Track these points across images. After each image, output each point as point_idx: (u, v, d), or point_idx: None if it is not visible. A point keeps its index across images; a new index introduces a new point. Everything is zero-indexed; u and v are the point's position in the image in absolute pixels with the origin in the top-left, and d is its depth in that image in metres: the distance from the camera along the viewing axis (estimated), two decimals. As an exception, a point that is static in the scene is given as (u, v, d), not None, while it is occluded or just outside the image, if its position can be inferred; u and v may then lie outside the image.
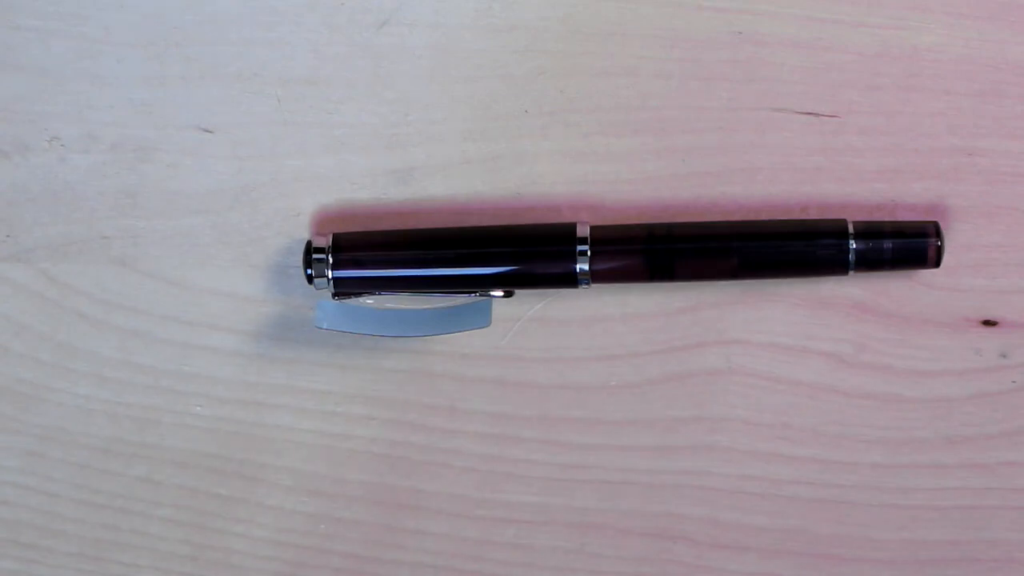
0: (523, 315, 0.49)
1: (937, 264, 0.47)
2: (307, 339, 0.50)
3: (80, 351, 0.50)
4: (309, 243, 0.48)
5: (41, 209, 0.49)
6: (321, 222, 0.49)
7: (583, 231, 0.47)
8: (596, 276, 0.47)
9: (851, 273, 0.47)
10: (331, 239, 0.48)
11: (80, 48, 0.49)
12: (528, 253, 0.47)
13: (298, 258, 0.49)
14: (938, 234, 0.47)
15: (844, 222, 0.47)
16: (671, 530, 0.50)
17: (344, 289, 0.48)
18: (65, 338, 0.50)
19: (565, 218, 0.48)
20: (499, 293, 0.48)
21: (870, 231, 0.47)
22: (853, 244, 0.46)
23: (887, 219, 0.48)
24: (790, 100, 0.48)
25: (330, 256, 0.48)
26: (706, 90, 0.48)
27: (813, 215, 0.48)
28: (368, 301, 0.48)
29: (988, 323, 0.49)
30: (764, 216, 0.48)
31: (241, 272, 0.50)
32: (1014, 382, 0.49)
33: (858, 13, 0.48)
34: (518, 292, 0.48)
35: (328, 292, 0.48)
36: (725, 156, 0.49)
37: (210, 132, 0.49)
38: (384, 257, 0.48)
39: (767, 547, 0.50)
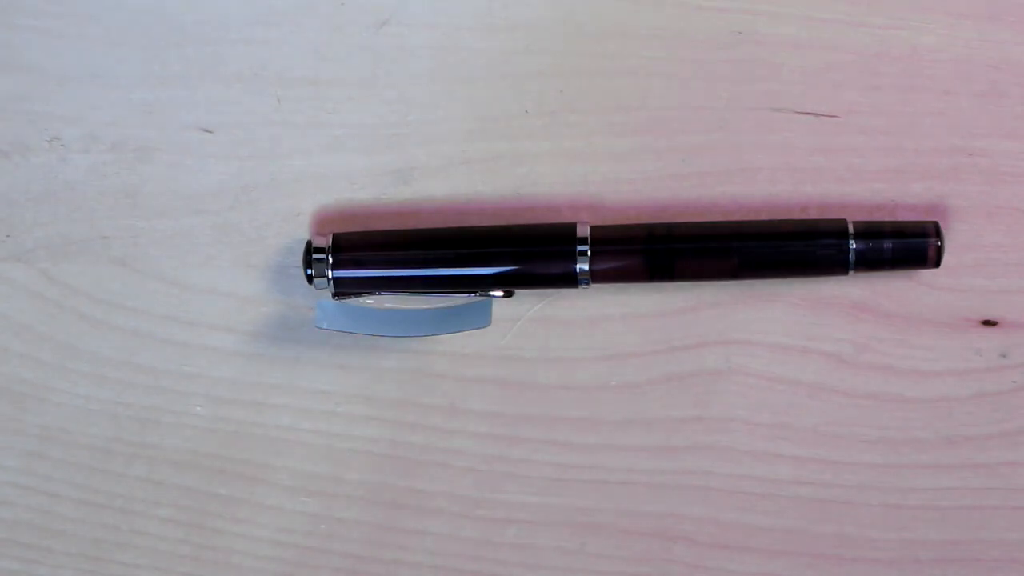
0: (523, 315, 0.49)
1: (937, 264, 0.47)
2: (307, 339, 0.50)
3: (80, 351, 0.50)
4: (309, 243, 0.48)
5: (41, 209, 0.49)
6: (321, 222, 0.49)
7: (583, 231, 0.47)
8: (596, 276, 0.47)
9: (851, 273, 0.47)
10: (331, 239, 0.48)
11: (80, 48, 0.49)
12: (528, 253, 0.47)
13: (298, 258, 0.49)
14: (938, 234, 0.47)
15: (844, 222, 0.47)
16: (671, 530, 0.50)
17: (344, 289, 0.48)
18: (65, 338, 0.50)
19: (565, 218, 0.48)
20: (499, 293, 0.48)
21: (870, 231, 0.47)
22: (853, 244, 0.46)
23: (887, 219, 0.48)
24: (790, 100, 0.48)
25: (330, 256, 0.47)
26: (706, 90, 0.48)
27: (813, 215, 0.48)
28: (368, 301, 0.48)
29: (988, 323, 0.49)
30: (764, 216, 0.48)
31: (241, 272, 0.50)
32: (1014, 382, 0.49)
33: (858, 13, 0.48)
34: (518, 292, 0.48)
35: (328, 292, 0.48)
36: (725, 156, 0.49)
37: (210, 132, 0.49)
38: (384, 257, 0.48)
39: (767, 547, 0.50)
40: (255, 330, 0.50)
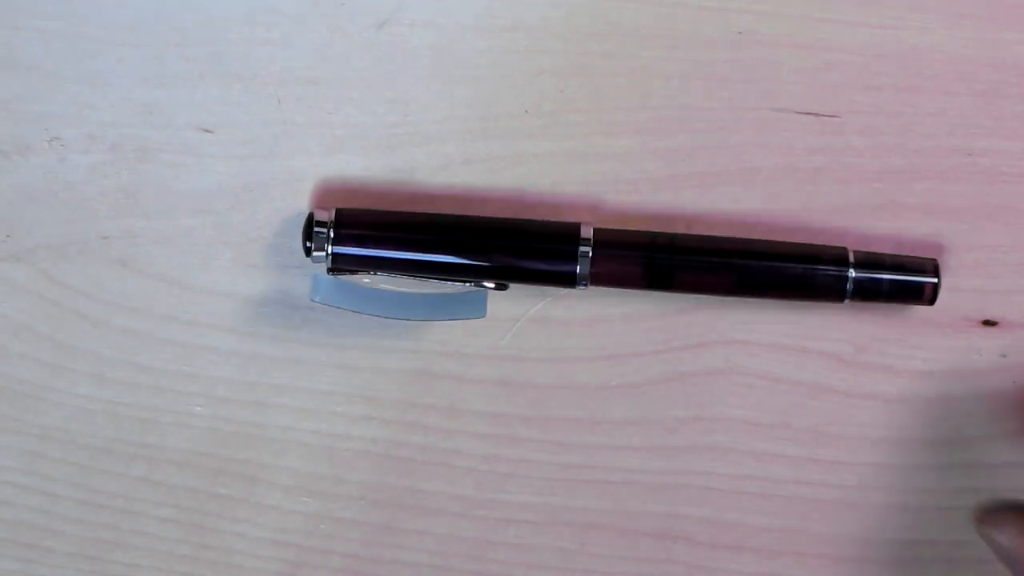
0: (523, 315, 0.49)
1: (932, 302, 0.47)
2: (307, 339, 0.50)
3: (80, 351, 0.50)
4: (311, 215, 0.47)
5: (41, 209, 0.49)
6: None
7: (587, 232, 0.47)
8: (595, 278, 0.47)
9: (847, 302, 0.47)
10: (334, 214, 0.47)
11: (80, 48, 0.49)
12: (530, 249, 0.47)
13: (299, 258, 0.49)
14: (936, 272, 0.47)
15: (844, 250, 0.47)
16: (671, 530, 0.50)
17: (341, 265, 0.47)
18: (65, 338, 0.50)
19: (565, 218, 0.48)
20: (491, 285, 0.47)
21: (870, 262, 0.47)
22: (852, 273, 0.46)
23: (884, 217, 0.48)
24: (790, 100, 0.48)
25: (331, 231, 0.47)
26: (706, 90, 0.48)
27: (813, 216, 0.48)
28: (364, 280, 0.48)
29: (988, 323, 0.49)
30: (763, 217, 0.48)
31: (241, 272, 0.50)
32: (1014, 382, 0.49)
33: (858, 13, 0.48)
34: (518, 291, 0.48)
35: (324, 267, 0.48)
36: (725, 156, 0.49)
37: (210, 132, 0.49)
38: (384, 236, 0.47)
39: (767, 547, 0.50)
40: (255, 330, 0.50)
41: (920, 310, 0.49)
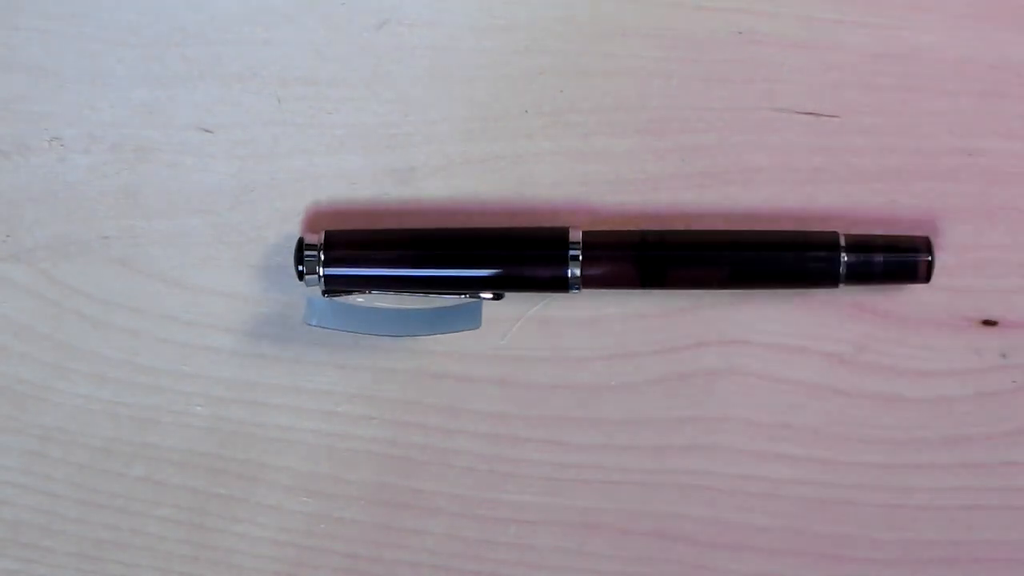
0: (523, 315, 0.49)
1: (927, 279, 0.47)
2: (307, 339, 0.50)
3: (80, 351, 0.50)
4: (301, 240, 0.48)
5: (41, 209, 0.49)
6: (313, 219, 0.49)
7: (575, 236, 0.47)
8: (587, 281, 0.47)
9: (841, 286, 0.47)
10: (323, 236, 0.48)
11: (80, 48, 0.49)
12: (519, 257, 0.47)
13: (298, 258, 0.49)
14: (929, 249, 0.46)
15: (835, 235, 0.47)
16: (671, 530, 0.50)
17: (335, 287, 0.48)
18: (65, 338, 0.50)
19: (564, 218, 0.48)
20: (488, 295, 0.48)
21: (861, 244, 0.47)
22: (844, 257, 0.46)
23: (884, 216, 0.48)
24: (790, 100, 0.48)
25: (322, 253, 0.47)
26: (706, 90, 0.48)
27: (813, 216, 0.48)
28: (358, 300, 0.48)
29: (988, 323, 0.49)
30: (764, 217, 0.48)
31: (241, 272, 0.50)
32: (1014, 382, 0.49)
33: (858, 13, 0.48)
34: (517, 293, 0.48)
35: (318, 289, 0.48)
36: (725, 156, 0.49)
37: (210, 132, 0.49)
38: (375, 256, 0.48)
39: (767, 547, 0.50)
40: (255, 330, 0.50)
41: (919, 310, 0.49)
